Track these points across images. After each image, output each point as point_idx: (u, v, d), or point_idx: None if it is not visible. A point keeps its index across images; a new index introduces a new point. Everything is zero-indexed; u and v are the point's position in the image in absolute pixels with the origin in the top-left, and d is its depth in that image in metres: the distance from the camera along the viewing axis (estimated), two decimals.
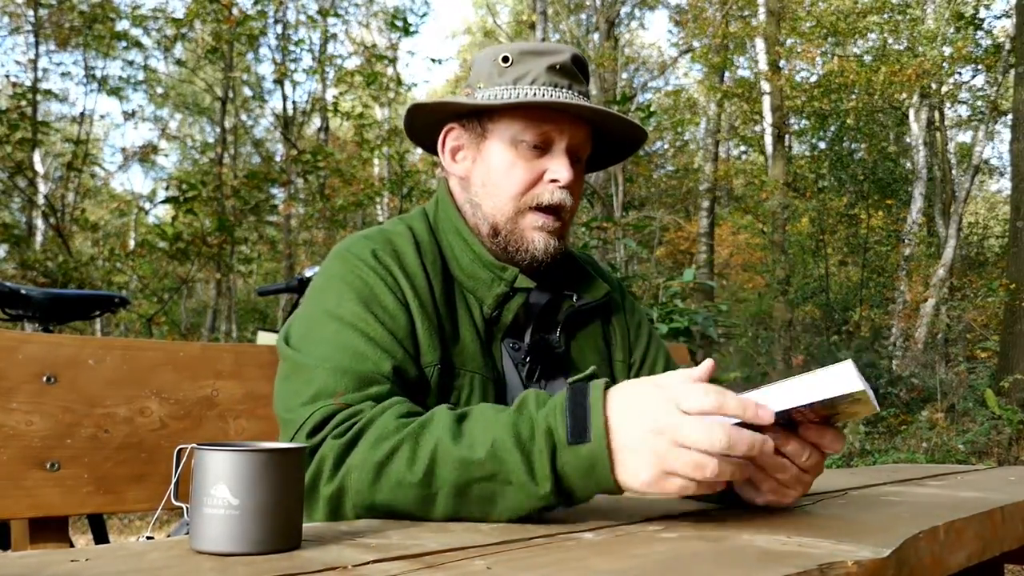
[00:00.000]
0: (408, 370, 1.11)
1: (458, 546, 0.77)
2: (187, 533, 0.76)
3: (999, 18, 14.47)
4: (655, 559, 0.73)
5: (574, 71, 1.26)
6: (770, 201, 12.64)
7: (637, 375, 1.40)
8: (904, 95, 11.98)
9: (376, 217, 14.01)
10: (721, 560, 0.73)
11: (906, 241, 11.55)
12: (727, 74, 15.07)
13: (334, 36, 12.22)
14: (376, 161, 13.06)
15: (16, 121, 8.61)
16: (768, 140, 13.33)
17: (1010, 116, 9.62)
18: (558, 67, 1.24)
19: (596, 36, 15.44)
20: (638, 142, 1.35)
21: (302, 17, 12.36)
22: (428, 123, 1.33)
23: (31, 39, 10.95)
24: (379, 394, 1.04)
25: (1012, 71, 9.12)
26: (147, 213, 14.92)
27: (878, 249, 12.53)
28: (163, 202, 9.47)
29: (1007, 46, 10.43)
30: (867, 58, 12.83)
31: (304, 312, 1.18)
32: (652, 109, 9.63)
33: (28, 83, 10.37)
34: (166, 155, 18.17)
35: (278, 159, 13.30)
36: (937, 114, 13.78)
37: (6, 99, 10.35)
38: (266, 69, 15.74)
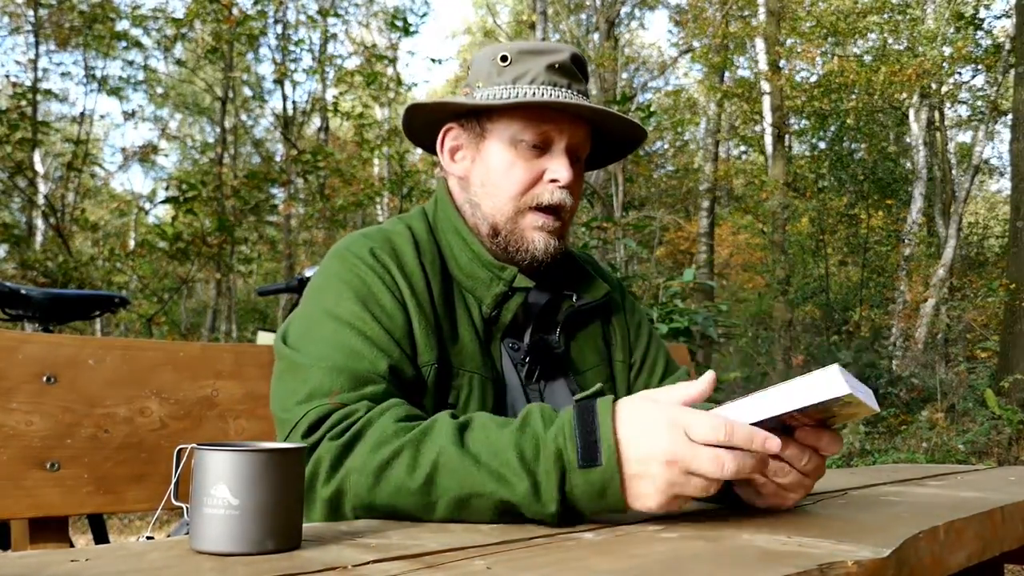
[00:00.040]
0: (404, 369, 1.11)
1: (458, 546, 0.77)
2: (187, 533, 0.76)
3: (999, 18, 14.47)
4: (655, 559, 0.73)
5: (573, 70, 1.26)
6: (770, 201, 12.63)
7: (637, 375, 1.40)
8: (904, 95, 11.97)
9: (376, 217, 14.01)
10: (721, 560, 0.73)
11: (906, 241, 11.55)
12: (727, 74, 15.07)
13: (334, 36, 12.22)
14: (376, 161, 13.05)
15: (16, 121, 8.61)
16: (768, 140, 13.33)
17: (1010, 116, 9.62)
18: (557, 66, 1.24)
19: (596, 36, 15.43)
20: (637, 141, 1.35)
21: (302, 17, 12.37)
22: (427, 123, 1.32)
23: (31, 39, 10.95)
24: (375, 394, 1.04)
25: (1012, 71, 9.12)
26: (147, 213, 14.93)
27: (878, 249, 12.53)
28: (163, 202, 9.47)
29: (1007, 46, 10.42)
30: (867, 58, 12.83)
31: (302, 311, 1.18)
32: (652, 109, 9.62)
33: (28, 83, 10.37)
34: (166, 155, 18.18)
35: (278, 159, 13.30)
36: (937, 114, 13.78)
37: (6, 99, 10.35)
38: (266, 69, 15.76)
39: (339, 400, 1.03)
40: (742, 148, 17.84)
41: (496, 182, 1.25)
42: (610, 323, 1.40)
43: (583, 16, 17.25)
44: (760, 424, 0.89)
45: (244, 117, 14.59)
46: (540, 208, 1.24)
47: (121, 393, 1.37)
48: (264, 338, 2.62)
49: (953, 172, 13.98)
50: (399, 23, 10.41)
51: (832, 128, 12.89)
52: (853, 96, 12.23)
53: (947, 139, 14.41)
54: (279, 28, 11.91)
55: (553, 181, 1.24)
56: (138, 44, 11.45)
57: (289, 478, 0.75)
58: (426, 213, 1.32)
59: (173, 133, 18.17)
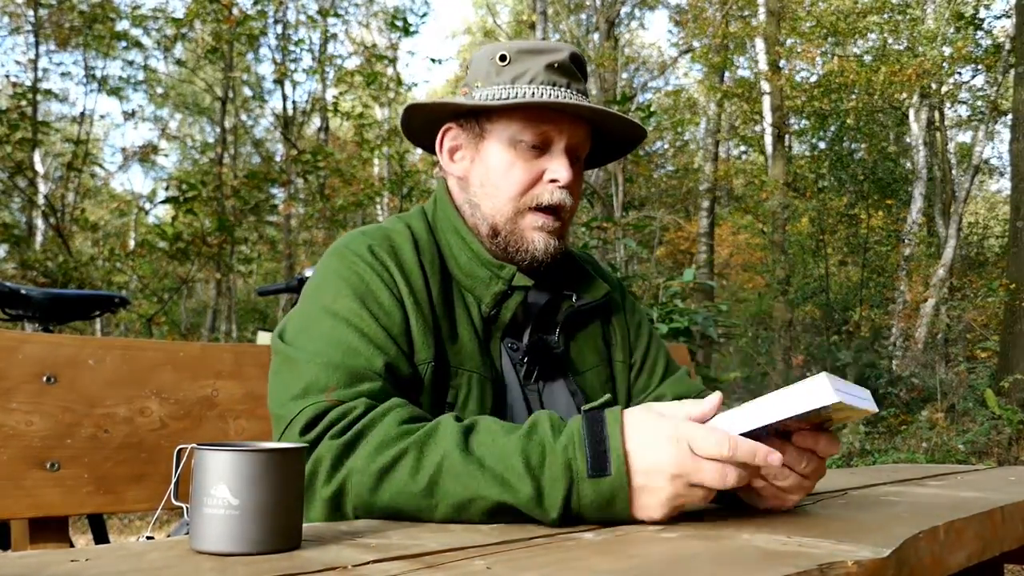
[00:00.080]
0: (401, 367, 1.11)
1: (458, 546, 0.77)
2: (187, 533, 0.76)
3: (999, 18, 14.46)
4: (655, 559, 0.73)
5: (572, 69, 1.26)
6: (770, 201, 12.63)
7: (637, 376, 1.40)
8: (904, 95, 11.97)
9: (376, 217, 14.01)
10: (721, 560, 0.73)
11: (906, 241, 11.55)
12: (727, 74, 15.07)
13: (334, 36, 12.22)
14: (376, 161, 13.05)
15: (16, 121, 8.61)
16: (768, 140, 13.33)
17: (1010, 116, 9.62)
18: (556, 65, 1.24)
19: (596, 36, 15.43)
20: (637, 140, 1.34)
21: (302, 17, 12.37)
22: (426, 122, 1.32)
23: (31, 39, 10.95)
24: (371, 391, 1.04)
25: (1012, 71, 9.12)
26: (147, 213, 14.92)
27: (878, 249, 12.52)
28: (163, 202, 9.47)
29: (1007, 46, 10.42)
30: (867, 58, 12.83)
31: (300, 308, 1.18)
32: (652, 109, 9.62)
33: (28, 83, 10.36)
34: (166, 155, 18.19)
35: (278, 159, 13.30)
36: (937, 114, 13.78)
37: (6, 99, 10.35)
38: (266, 69, 15.76)
39: (335, 397, 1.02)
40: (742, 148, 17.85)
41: (495, 182, 1.25)
42: (610, 323, 1.40)
43: (583, 16, 17.25)
44: (755, 432, 0.91)
45: (244, 117, 14.59)
46: (540, 208, 1.24)
47: (121, 393, 1.37)
48: (264, 338, 2.62)
49: (953, 172, 13.98)
50: (399, 23, 10.41)
51: (832, 128, 12.88)
52: (853, 96, 12.23)
53: (947, 139, 14.41)
54: (279, 28, 11.92)
55: (553, 181, 1.23)
56: (138, 44, 11.45)
57: (289, 478, 0.75)
58: (425, 212, 1.32)
59: (173, 133, 18.18)
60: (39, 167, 11.57)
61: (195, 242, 8.53)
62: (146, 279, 10.19)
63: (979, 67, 12.15)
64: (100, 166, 13.96)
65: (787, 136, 13.80)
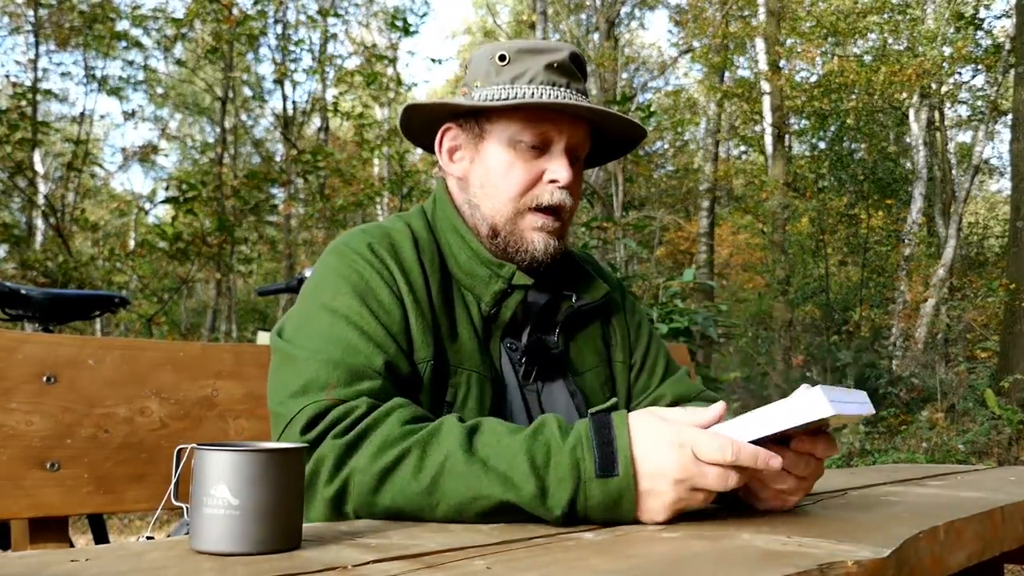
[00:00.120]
0: (400, 366, 1.11)
1: (458, 546, 0.77)
2: (187, 533, 0.76)
3: (999, 18, 14.48)
4: (655, 559, 0.73)
5: (572, 69, 1.25)
6: (770, 201, 12.63)
7: (637, 376, 1.40)
8: (904, 95, 11.97)
9: (376, 217, 14.00)
10: (721, 560, 0.73)
11: (906, 241, 11.55)
12: (727, 74, 15.07)
13: (334, 36, 12.22)
14: (376, 161, 13.05)
15: (16, 121, 8.60)
16: (768, 140, 13.33)
17: (1010, 116, 9.62)
18: (556, 65, 1.23)
19: (596, 36, 15.43)
20: (637, 140, 1.34)
21: (302, 17, 12.37)
22: (425, 122, 1.32)
23: (31, 39, 10.95)
24: (371, 389, 1.04)
25: (1012, 71, 9.12)
26: (147, 213, 14.91)
27: (878, 249, 12.52)
28: (163, 202, 9.47)
29: (1007, 46, 10.42)
30: (867, 58, 12.82)
31: (299, 306, 1.18)
32: (652, 109, 9.62)
33: (28, 83, 10.36)
34: (166, 155, 18.18)
35: (278, 159, 13.30)
36: (937, 114, 13.78)
37: (6, 99, 10.35)
38: (266, 69, 15.76)
39: (335, 395, 1.02)
40: (742, 148, 17.84)
41: (495, 183, 1.24)
42: (610, 324, 1.40)
43: (583, 16, 17.25)
44: (755, 441, 0.92)
45: (244, 117, 14.59)
46: (540, 209, 1.24)
47: (121, 393, 1.37)
48: (264, 338, 2.62)
49: (953, 172, 13.98)
50: (399, 23, 10.41)
51: (832, 128, 12.88)
52: (853, 96, 12.23)
53: (947, 139, 14.41)
54: (279, 28, 11.92)
55: (553, 182, 1.23)
56: (138, 44, 11.44)
57: (289, 478, 0.75)
58: (425, 212, 1.32)
59: (173, 133, 18.18)
60: (39, 167, 11.57)
61: (195, 242, 8.53)
62: (146, 279, 10.18)
63: (979, 67, 12.15)
64: (100, 166, 13.97)
65: (787, 136, 13.80)
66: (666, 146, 17.36)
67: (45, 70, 14.23)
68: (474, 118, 1.27)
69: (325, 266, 1.19)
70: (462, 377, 1.18)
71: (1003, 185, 17.67)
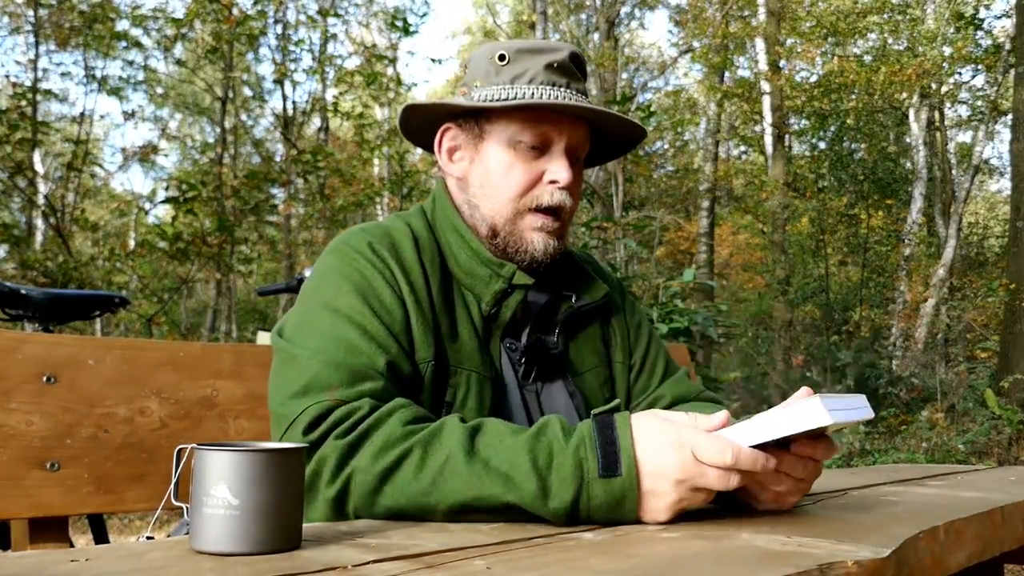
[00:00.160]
0: (402, 366, 1.11)
1: (458, 546, 0.77)
2: (187, 533, 0.76)
3: (999, 18, 14.48)
4: (655, 559, 0.73)
5: (572, 69, 1.25)
6: (770, 201, 12.63)
7: (637, 377, 1.40)
8: (904, 95, 11.97)
9: (376, 217, 14.00)
10: (721, 560, 0.73)
11: (906, 241, 11.55)
12: (727, 74, 15.07)
13: (334, 36, 12.21)
14: (376, 161, 13.05)
15: (16, 121, 8.60)
16: (768, 140, 13.33)
17: (1010, 116, 9.62)
18: (556, 65, 1.23)
19: (596, 36, 15.43)
20: (637, 139, 1.34)
21: (302, 17, 12.37)
22: (425, 122, 1.32)
23: (31, 39, 10.95)
24: (373, 390, 1.04)
25: (1012, 71, 9.12)
26: (147, 213, 14.91)
27: (878, 249, 12.52)
28: (163, 202, 9.47)
29: (1007, 46, 10.42)
30: (867, 58, 12.82)
31: (299, 305, 1.17)
32: (652, 109, 9.62)
33: (28, 83, 10.36)
34: (166, 155, 18.18)
35: (278, 159, 13.30)
36: (937, 114, 13.78)
37: (6, 99, 10.34)
38: (266, 69, 15.75)
39: (338, 396, 1.02)
40: (742, 148, 17.84)
41: (495, 184, 1.24)
42: (609, 324, 1.39)
43: (583, 16, 17.24)
44: (753, 446, 0.93)
45: (244, 117, 14.58)
46: (539, 209, 1.23)
47: (121, 393, 1.37)
48: (264, 338, 2.62)
49: (953, 172, 13.98)
50: (399, 23, 10.42)
51: (832, 128, 12.88)
52: (853, 96, 12.23)
53: (947, 139, 14.40)
54: (279, 28, 11.91)
55: (553, 182, 1.23)
56: (138, 44, 11.44)
57: (289, 478, 0.75)
58: (424, 211, 1.32)
59: (173, 133, 18.18)
60: (39, 167, 11.57)
61: (195, 242, 8.53)
62: (146, 279, 10.18)
63: (979, 67, 12.15)
64: (100, 166, 13.97)
65: (787, 136, 13.80)
66: (666, 146, 17.36)
67: (45, 70, 14.25)
68: (474, 118, 1.26)
69: (326, 265, 1.19)
70: (462, 377, 1.17)
71: (1003, 185, 17.68)
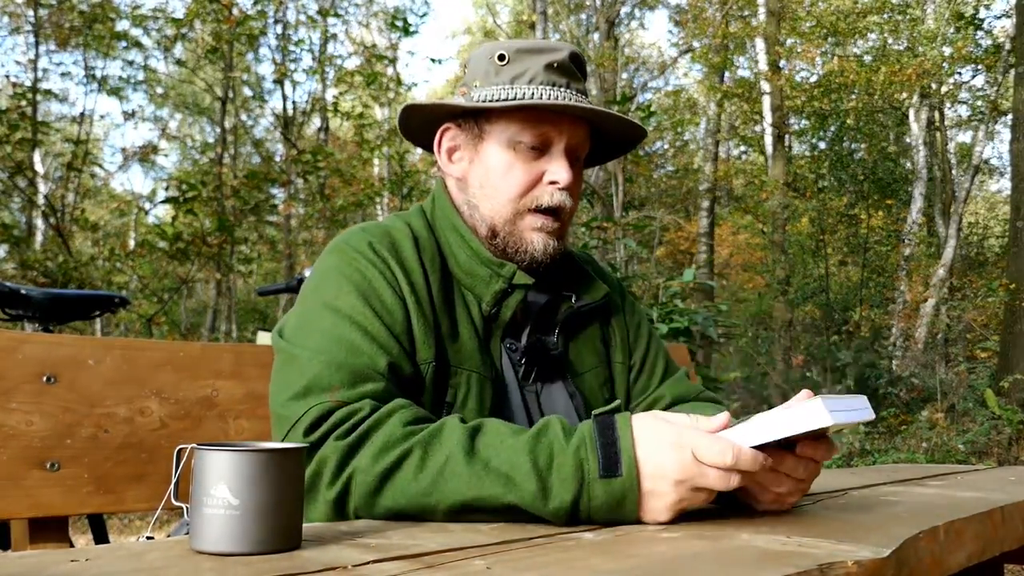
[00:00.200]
0: (403, 367, 1.11)
1: (458, 546, 0.77)
2: (187, 533, 0.76)
3: (999, 18, 14.47)
4: (655, 559, 0.73)
5: (572, 69, 1.25)
6: (770, 201, 12.63)
7: (637, 377, 1.40)
8: (904, 95, 11.97)
9: (376, 217, 14.00)
10: (721, 560, 0.73)
11: (906, 241, 11.55)
12: (727, 74, 15.07)
13: (334, 36, 12.22)
14: (376, 161, 13.05)
15: (16, 121, 8.60)
16: (768, 140, 13.33)
17: (1010, 116, 9.62)
18: (556, 65, 1.23)
19: (596, 36, 15.43)
20: (637, 139, 1.34)
21: (302, 17, 12.37)
22: (424, 122, 1.31)
23: (31, 39, 10.95)
24: (375, 392, 1.04)
25: (1012, 71, 9.12)
26: (147, 213, 14.91)
27: (878, 249, 12.52)
28: (163, 202, 9.48)
29: (1007, 46, 10.42)
30: (867, 58, 12.82)
31: (300, 305, 1.17)
32: (652, 109, 9.62)
33: (28, 83, 10.36)
34: (166, 155, 18.18)
35: (278, 159, 13.30)
36: (937, 114, 13.78)
37: (6, 99, 10.34)
38: (266, 69, 15.76)
39: (339, 398, 1.02)
40: (742, 148, 17.84)
41: (495, 184, 1.24)
42: (609, 324, 1.39)
43: (583, 16, 17.24)
44: (754, 447, 0.94)
45: (244, 117, 14.58)
46: (539, 210, 1.23)
47: (121, 393, 1.37)
48: (264, 338, 2.62)
49: (953, 172, 13.98)
50: (399, 23, 10.42)
51: (832, 128, 12.88)
52: (853, 96, 12.23)
53: (947, 139, 14.40)
54: (279, 28, 11.92)
55: (553, 183, 1.23)
56: (138, 44, 11.44)
57: (289, 478, 0.75)
58: (424, 211, 1.32)
59: (173, 133, 18.18)
60: (39, 167, 11.57)
61: (195, 242, 8.53)
62: (146, 279, 10.18)
63: (979, 67, 12.15)
64: (100, 166, 13.96)
65: (787, 136, 13.80)
66: (666, 146, 17.36)
67: (45, 70, 14.25)
68: (473, 118, 1.26)
69: (326, 265, 1.19)
70: (462, 377, 1.17)
71: (1003, 185, 17.68)
